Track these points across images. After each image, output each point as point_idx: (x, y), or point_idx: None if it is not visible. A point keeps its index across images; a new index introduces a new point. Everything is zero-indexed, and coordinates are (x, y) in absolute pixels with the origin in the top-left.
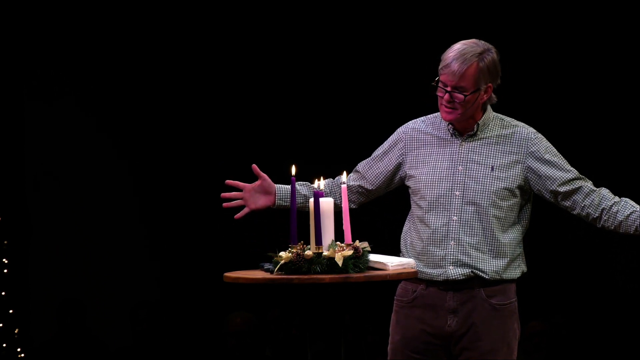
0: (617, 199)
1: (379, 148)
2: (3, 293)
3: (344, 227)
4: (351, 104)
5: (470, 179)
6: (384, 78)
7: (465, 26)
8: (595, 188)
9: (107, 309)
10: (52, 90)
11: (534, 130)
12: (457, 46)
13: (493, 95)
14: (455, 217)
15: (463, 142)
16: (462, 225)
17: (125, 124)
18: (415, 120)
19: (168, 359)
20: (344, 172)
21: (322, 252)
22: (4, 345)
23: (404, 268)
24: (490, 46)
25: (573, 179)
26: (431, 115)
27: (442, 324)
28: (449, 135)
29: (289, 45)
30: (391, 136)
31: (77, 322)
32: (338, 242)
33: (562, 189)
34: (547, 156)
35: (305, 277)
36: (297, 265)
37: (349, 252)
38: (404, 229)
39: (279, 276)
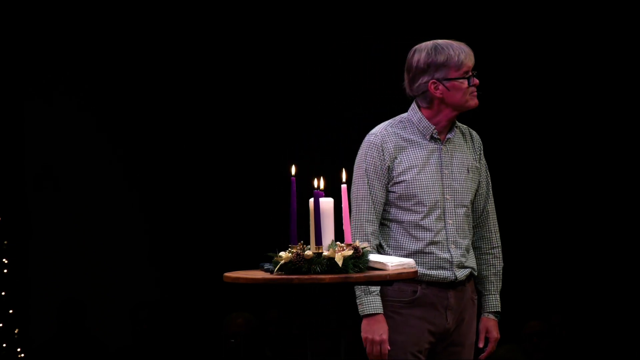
0: (494, 250)
1: (362, 169)
2: (3, 293)
3: (344, 227)
4: (351, 105)
5: (455, 182)
6: (384, 78)
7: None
8: (490, 214)
9: (107, 309)
10: (51, 90)
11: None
12: (446, 41)
13: None
14: (450, 220)
15: (443, 146)
16: (457, 228)
17: (125, 123)
18: (381, 125)
19: (168, 359)
20: (343, 171)
21: (322, 252)
22: (4, 345)
23: (404, 268)
24: None
25: (487, 191)
26: (392, 120)
27: (443, 321)
28: (426, 139)
29: (288, 45)
30: (367, 149)
31: (77, 322)
32: (338, 242)
33: (480, 195)
34: (483, 160)
35: (305, 277)
36: (297, 265)
37: (349, 252)
38: (381, 229)
39: (279, 276)
